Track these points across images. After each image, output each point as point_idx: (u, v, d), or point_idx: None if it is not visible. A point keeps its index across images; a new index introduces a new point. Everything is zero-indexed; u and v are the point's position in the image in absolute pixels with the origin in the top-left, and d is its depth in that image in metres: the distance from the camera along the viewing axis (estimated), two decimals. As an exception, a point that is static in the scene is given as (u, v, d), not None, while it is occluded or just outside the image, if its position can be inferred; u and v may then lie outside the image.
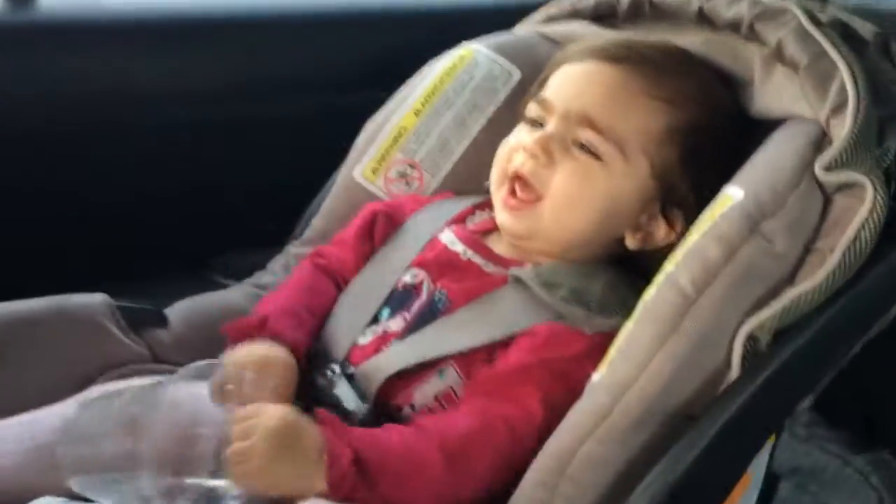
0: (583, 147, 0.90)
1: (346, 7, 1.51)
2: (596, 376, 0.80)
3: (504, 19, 1.22)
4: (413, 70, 1.18)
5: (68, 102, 1.31)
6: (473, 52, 1.14)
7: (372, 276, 0.97)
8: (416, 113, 1.11)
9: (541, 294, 0.87)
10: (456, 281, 0.91)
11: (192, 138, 1.37)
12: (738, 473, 0.76)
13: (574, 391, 0.81)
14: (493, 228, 0.97)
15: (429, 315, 0.90)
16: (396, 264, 0.96)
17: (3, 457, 0.84)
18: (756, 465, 0.78)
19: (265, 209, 1.24)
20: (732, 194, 0.82)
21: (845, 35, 0.88)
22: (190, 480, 0.72)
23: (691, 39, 0.98)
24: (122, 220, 1.35)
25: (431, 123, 1.11)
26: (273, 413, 0.76)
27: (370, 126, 1.15)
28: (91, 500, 0.76)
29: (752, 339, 0.76)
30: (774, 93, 0.91)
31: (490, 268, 0.93)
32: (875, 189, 0.78)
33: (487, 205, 0.99)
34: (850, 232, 0.78)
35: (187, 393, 0.77)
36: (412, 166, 1.11)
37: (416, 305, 0.91)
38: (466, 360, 0.86)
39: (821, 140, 0.83)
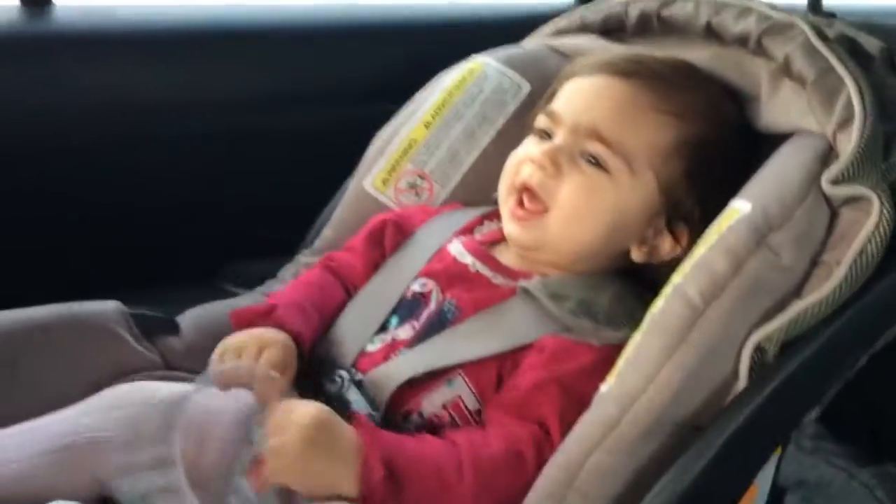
0: (591, 160, 0.90)
1: (356, 20, 1.53)
2: (604, 387, 0.80)
3: (512, 32, 1.23)
4: (421, 83, 1.18)
5: (80, 112, 1.32)
6: (483, 65, 1.14)
7: (381, 285, 0.98)
8: (427, 125, 1.12)
9: (549, 306, 0.88)
10: (465, 291, 0.92)
11: (205, 148, 1.39)
12: (744, 484, 0.76)
13: (582, 403, 0.81)
14: (500, 239, 0.97)
15: (438, 324, 0.90)
16: (405, 273, 0.96)
17: (4, 465, 0.84)
18: (763, 477, 0.78)
19: (276, 219, 1.25)
20: (740, 207, 0.82)
21: (852, 50, 0.89)
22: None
23: (699, 54, 0.98)
24: (134, 228, 1.36)
25: (441, 135, 1.12)
26: (306, 411, 0.77)
27: (380, 137, 1.16)
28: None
29: (759, 350, 0.77)
30: (782, 107, 0.91)
31: (498, 279, 0.93)
32: (881, 203, 0.79)
33: (495, 215, 0.99)
34: (857, 245, 0.78)
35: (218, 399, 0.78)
36: (422, 177, 1.12)
37: (425, 314, 0.92)
38: (475, 369, 0.86)
39: (827, 154, 0.84)
